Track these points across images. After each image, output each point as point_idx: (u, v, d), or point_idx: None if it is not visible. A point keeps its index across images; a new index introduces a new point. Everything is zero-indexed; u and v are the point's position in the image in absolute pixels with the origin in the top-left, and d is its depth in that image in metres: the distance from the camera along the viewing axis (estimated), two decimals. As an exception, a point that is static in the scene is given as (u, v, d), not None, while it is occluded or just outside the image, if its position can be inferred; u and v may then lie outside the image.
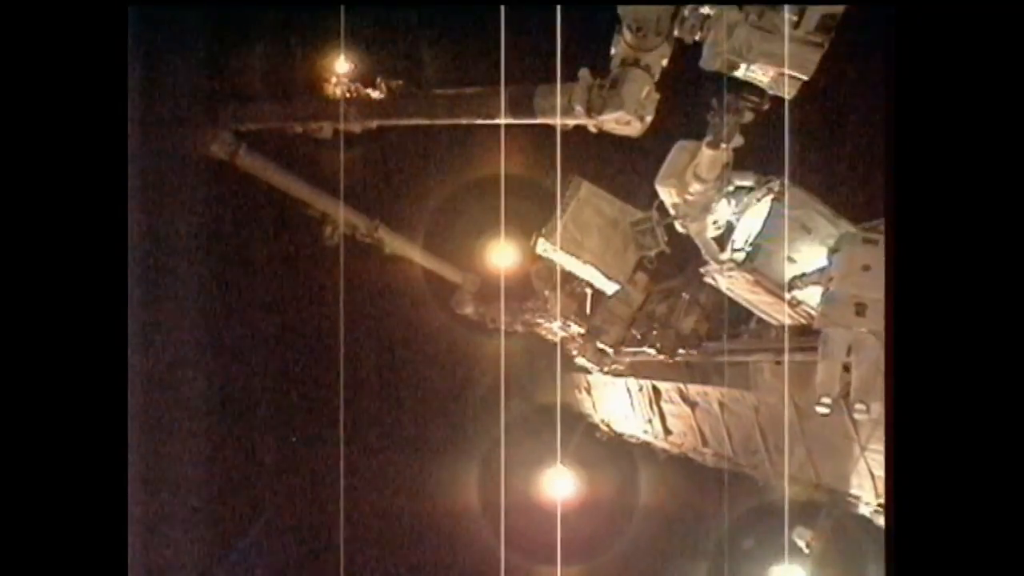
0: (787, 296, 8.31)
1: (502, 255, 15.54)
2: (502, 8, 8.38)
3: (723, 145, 7.71)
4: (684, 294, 11.69)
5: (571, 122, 8.24)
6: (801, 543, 8.45)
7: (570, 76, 8.03)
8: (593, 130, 8.18)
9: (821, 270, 7.61)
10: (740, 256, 8.37)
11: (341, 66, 11.92)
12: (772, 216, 8.19)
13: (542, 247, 13.00)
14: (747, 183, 8.37)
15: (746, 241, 8.35)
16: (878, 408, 7.04)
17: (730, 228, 8.54)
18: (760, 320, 9.70)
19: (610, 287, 12.99)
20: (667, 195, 8.60)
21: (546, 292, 14.12)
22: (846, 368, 7.32)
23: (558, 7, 7.94)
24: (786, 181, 8.19)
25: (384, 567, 19.43)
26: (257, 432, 19.49)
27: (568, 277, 13.50)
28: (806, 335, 8.48)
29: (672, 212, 8.81)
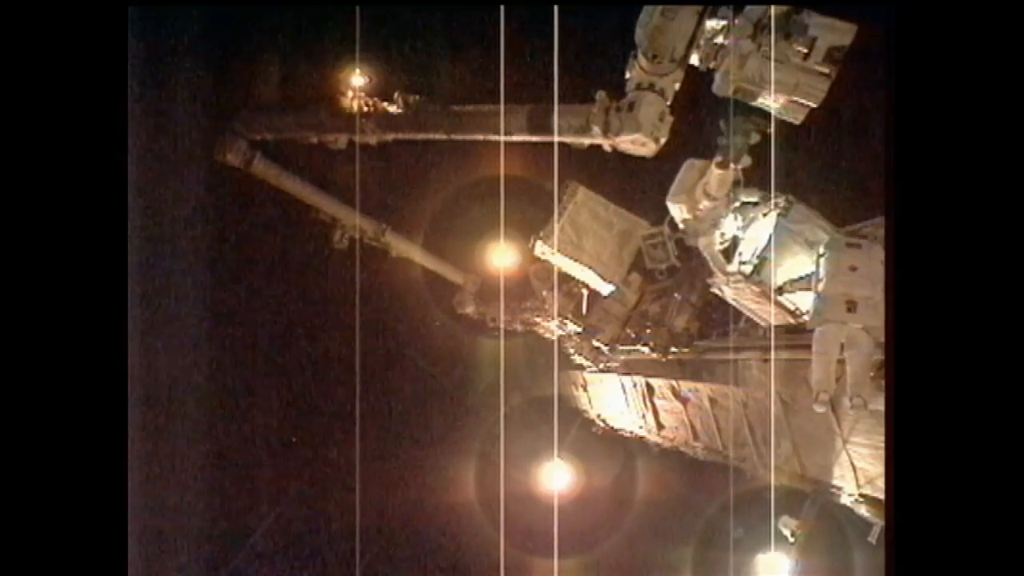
0: (791, 307, 8.42)
1: (502, 257, 15.58)
2: (502, 8, 8.43)
3: (732, 166, 7.74)
4: (676, 294, 11.83)
5: (587, 142, 8.26)
6: (786, 531, 8.66)
7: (587, 97, 7.97)
8: (608, 149, 8.19)
9: (809, 275, 7.75)
10: (747, 268, 8.42)
11: (358, 80, 11.83)
12: (778, 231, 8.27)
13: (540, 249, 13.08)
14: (753, 199, 8.41)
15: (753, 254, 8.39)
16: (870, 402, 7.13)
17: (735, 242, 8.55)
18: (748, 319, 9.79)
19: (605, 288, 13.12)
20: (677, 211, 8.67)
21: (544, 292, 14.20)
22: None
23: (555, 7, 7.95)
24: (773, 197, 8.28)
25: (386, 556, 19.75)
26: (260, 431, 19.74)
27: (565, 278, 13.56)
28: (792, 334, 8.67)
29: (682, 227, 8.89)
